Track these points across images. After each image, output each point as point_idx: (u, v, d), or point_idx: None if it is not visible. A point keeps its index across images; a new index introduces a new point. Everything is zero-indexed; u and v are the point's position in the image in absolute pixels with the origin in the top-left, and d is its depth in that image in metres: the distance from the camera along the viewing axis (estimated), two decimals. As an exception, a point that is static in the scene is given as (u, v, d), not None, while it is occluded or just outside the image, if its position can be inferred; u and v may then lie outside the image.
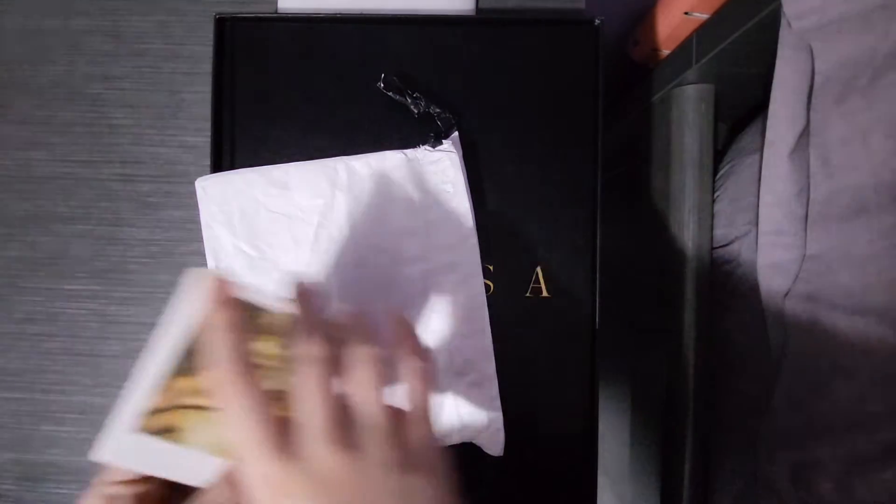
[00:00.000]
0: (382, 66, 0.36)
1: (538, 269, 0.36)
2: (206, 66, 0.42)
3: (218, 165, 0.37)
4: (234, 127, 0.37)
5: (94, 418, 0.42)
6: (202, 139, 0.42)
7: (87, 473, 0.41)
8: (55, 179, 0.42)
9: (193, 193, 0.42)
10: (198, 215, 0.39)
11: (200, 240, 0.41)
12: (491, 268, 0.36)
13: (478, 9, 0.41)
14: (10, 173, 0.42)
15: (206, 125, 0.42)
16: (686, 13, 0.53)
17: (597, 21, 0.36)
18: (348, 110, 0.36)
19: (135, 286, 0.42)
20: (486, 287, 0.36)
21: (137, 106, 0.42)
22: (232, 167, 0.36)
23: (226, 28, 0.37)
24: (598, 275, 0.36)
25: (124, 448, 0.20)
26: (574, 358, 0.36)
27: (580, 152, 0.36)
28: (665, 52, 0.59)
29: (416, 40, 0.37)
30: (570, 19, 0.37)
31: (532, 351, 0.36)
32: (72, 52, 0.42)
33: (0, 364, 0.42)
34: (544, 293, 0.36)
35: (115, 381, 0.42)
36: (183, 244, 0.42)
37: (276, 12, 0.39)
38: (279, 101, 0.37)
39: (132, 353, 0.42)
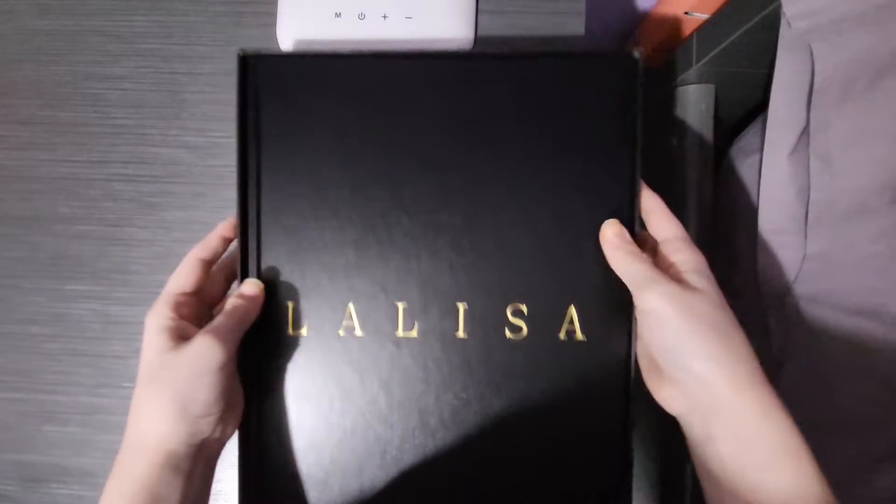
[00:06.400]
0: (404, 101, 0.35)
1: (572, 310, 0.34)
2: (207, 66, 0.42)
3: (244, 200, 0.34)
4: (260, 163, 0.35)
5: (97, 419, 0.42)
6: (204, 139, 0.42)
7: (89, 474, 0.42)
8: (57, 180, 0.42)
9: (195, 194, 0.42)
10: (199, 216, 0.39)
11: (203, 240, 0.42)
12: (524, 309, 0.34)
13: (476, 36, 0.41)
14: (13, 173, 0.42)
15: (208, 125, 0.42)
16: (686, 13, 0.53)
17: (636, 54, 0.34)
18: (373, 146, 0.35)
19: (137, 287, 0.42)
20: (518, 328, 0.34)
21: (139, 106, 0.42)
22: (258, 202, 0.34)
23: (249, 65, 0.35)
24: (634, 316, 0.33)
25: None
26: (608, 405, 0.34)
27: (616, 189, 0.34)
28: (665, 52, 0.60)
29: (441, 74, 0.35)
30: (609, 52, 0.36)
31: (565, 397, 0.34)
32: (74, 52, 0.42)
33: (2, 364, 0.42)
34: (579, 336, 0.34)
35: (117, 381, 0.42)
36: (185, 245, 0.41)
37: (295, 51, 0.37)
38: (304, 136, 0.35)
39: (134, 353, 0.41)
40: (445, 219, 0.34)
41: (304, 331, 0.34)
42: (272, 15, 0.41)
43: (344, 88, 0.35)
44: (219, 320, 0.30)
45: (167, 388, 0.28)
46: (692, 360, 0.27)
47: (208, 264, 0.33)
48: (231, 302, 0.31)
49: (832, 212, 0.37)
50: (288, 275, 0.34)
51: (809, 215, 0.38)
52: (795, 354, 0.39)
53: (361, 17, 0.40)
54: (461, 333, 0.33)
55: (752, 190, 0.45)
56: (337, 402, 0.34)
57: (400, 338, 0.34)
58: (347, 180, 0.34)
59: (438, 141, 0.34)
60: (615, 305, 0.33)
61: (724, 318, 0.28)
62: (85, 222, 0.42)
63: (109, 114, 0.42)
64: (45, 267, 0.42)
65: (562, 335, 0.34)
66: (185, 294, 0.31)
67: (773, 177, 0.41)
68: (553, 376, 0.34)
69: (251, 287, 0.32)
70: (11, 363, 0.42)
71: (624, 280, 0.31)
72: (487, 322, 0.34)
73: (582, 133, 0.34)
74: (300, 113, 0.35)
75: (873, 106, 0.34)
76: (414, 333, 0.34)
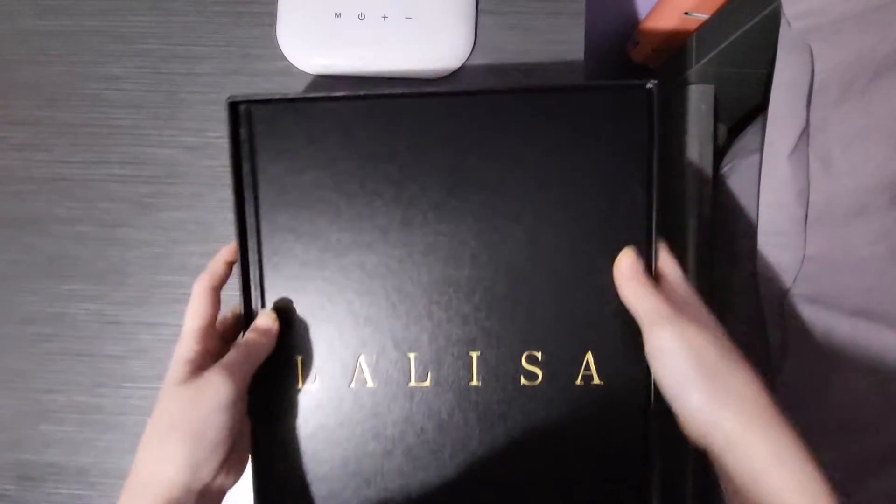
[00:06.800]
0: (407, 143, 0.33)
1: (589, 355, 0.33)
2: (206, 67, 0.42)
3: (245, 253, 0.33)
4: (258, 215, 0.33)
5: (94, 419, 0.42)
6: (201, 140, 0.42)
7: (87, 473, 0.42)
8: (54, 181, 0.42)
9: (193, 194, 0.42)
10: (196, 216, 0.38)
11: (200, 240, 0.42)
12: (539, 355, 0.33)
13: (476, 37, 0.41)
14: (10, 174, 0.42)
15: (205, 125, 0.42)
16: (686, 13, 0.53)
17: (649, 85, 0.32)
18: (376, 194, 0.33)
19: (134, 287, 0.42)
20: (534, 375, 0.33)
21: (137, 106, 0.42)
22: (259, 256, 0.33)
23: (240, 112, 0.33)
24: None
25: None
26: (626, 448, 0.33)
27: (632, 232, 0.33)
28: (665, 52, 0.59)
29: (445, 114, 0.33)
30: (623, 85, 0.33)
31: (583, 442, 0.33)
32: (72, 52, 0.42)
33: (0, 364, 0.42)
34: (595, 380, 0.33)
35: (114, 381, 0.42)
36: (182, 245, 0.42)
37: (288, 94, 0.34)
38: (301, 185, 0.33)
39: (131, 353, 0.42)
40: (457, 270, 0.33)
41: (314, 384, 0.33)
42: (272, 15, 0.41)
43: (343, 133, 0.33)
44: (229, 356, 0.30)
45: (177, 426, 0.27)
46: (697, 399, 0.27)
47: (218, 291, 0.32)
48: (244, 336, 0.31)
49: (832, 213, 0.37)
50: (295, 328, 0.33)
51: (809, 216, 0.38)
52: (793, 355, 0.39)
53: (361, 17, 0.40)
54: (475, 381, 0.33)
55: (752, 190, 0.45)
56: (351, 453, 0.33)
57: (412, 388, 0.33)
58: (350, 232, 0.33)
59: (446, 184, 0.33)
60: (633, 348, 0.32)
61: (728, 356, 0.28)
62: (82, 223, 0.42)
63: (107, 114, 0.42)
64: (43, 267, 0.42)
65: (578, 380, 0.33)
66: (204, 326, 0.31)
67: (773, 178, 0.41)
68: (570, 421, 0.33)
69: (265, 319, 0.32)
70: (8, 363, 0.42)
71: (633, 314, 0.30)
72: (502, 370, 0.33)
73: (596, 173, 0.33)
74: (295, 161, 0.33)
75: (872, 106, 0.34)
76: (427, 383, 0.33)
